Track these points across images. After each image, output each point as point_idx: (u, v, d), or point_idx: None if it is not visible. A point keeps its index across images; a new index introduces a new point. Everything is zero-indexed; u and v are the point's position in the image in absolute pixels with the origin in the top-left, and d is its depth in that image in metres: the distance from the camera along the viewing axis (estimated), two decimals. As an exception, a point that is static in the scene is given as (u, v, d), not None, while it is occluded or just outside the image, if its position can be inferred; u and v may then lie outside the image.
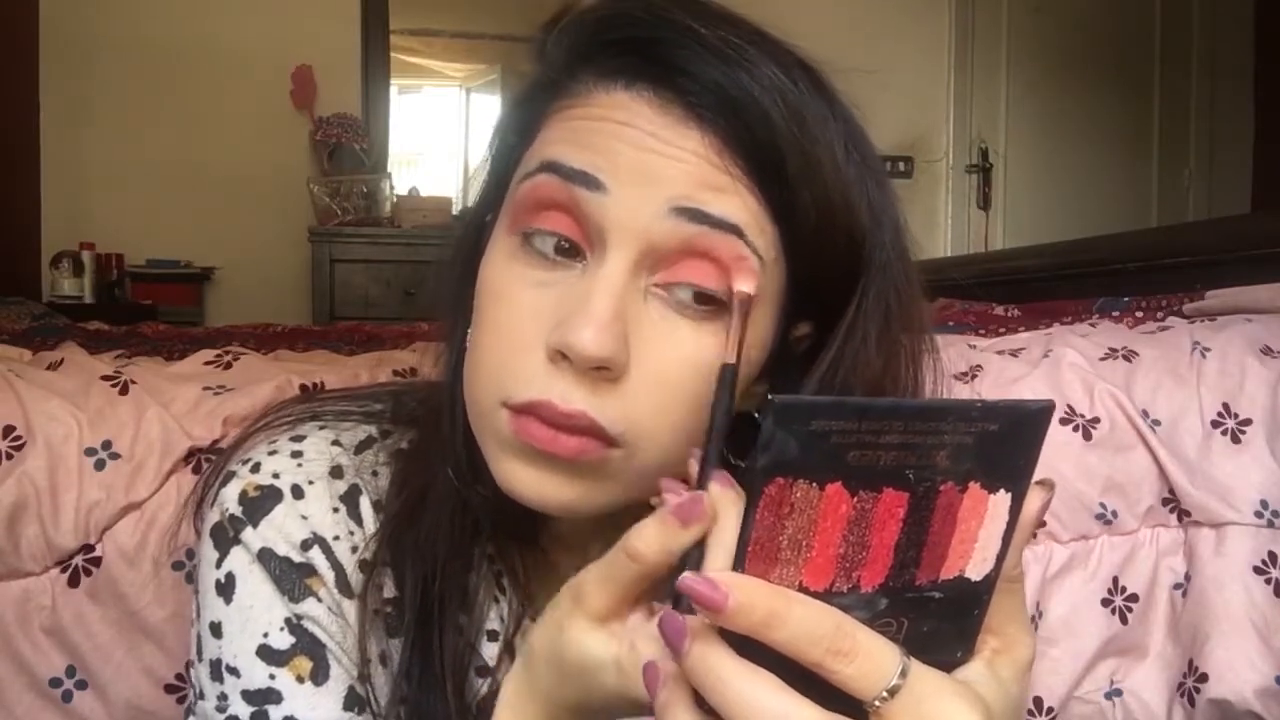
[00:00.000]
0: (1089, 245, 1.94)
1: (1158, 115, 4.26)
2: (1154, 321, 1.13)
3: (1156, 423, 0.92)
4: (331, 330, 1.81)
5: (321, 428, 0.62)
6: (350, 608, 0.57)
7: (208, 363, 0.89)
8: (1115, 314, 1.30)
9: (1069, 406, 0.92)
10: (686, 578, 0.36)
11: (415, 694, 0.57)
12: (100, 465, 0.76)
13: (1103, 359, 0.96)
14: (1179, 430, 0.92)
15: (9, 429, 0.76)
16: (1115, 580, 0.90)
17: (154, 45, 3.49)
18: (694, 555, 0.40)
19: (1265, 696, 0.85)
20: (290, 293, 3.57)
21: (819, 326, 0.56)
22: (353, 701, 0.57)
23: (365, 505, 0.60)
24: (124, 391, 0.80)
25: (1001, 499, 0.37)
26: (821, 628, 0.36)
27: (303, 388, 0.84)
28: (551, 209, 0.51)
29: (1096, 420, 0.92)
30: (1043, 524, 0.89)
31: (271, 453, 0.59)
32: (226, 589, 0.57)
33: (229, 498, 0.58)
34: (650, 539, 0.41)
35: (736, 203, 0.50)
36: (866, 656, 0.36)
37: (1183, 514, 0.91)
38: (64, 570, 0.76)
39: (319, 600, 0.57)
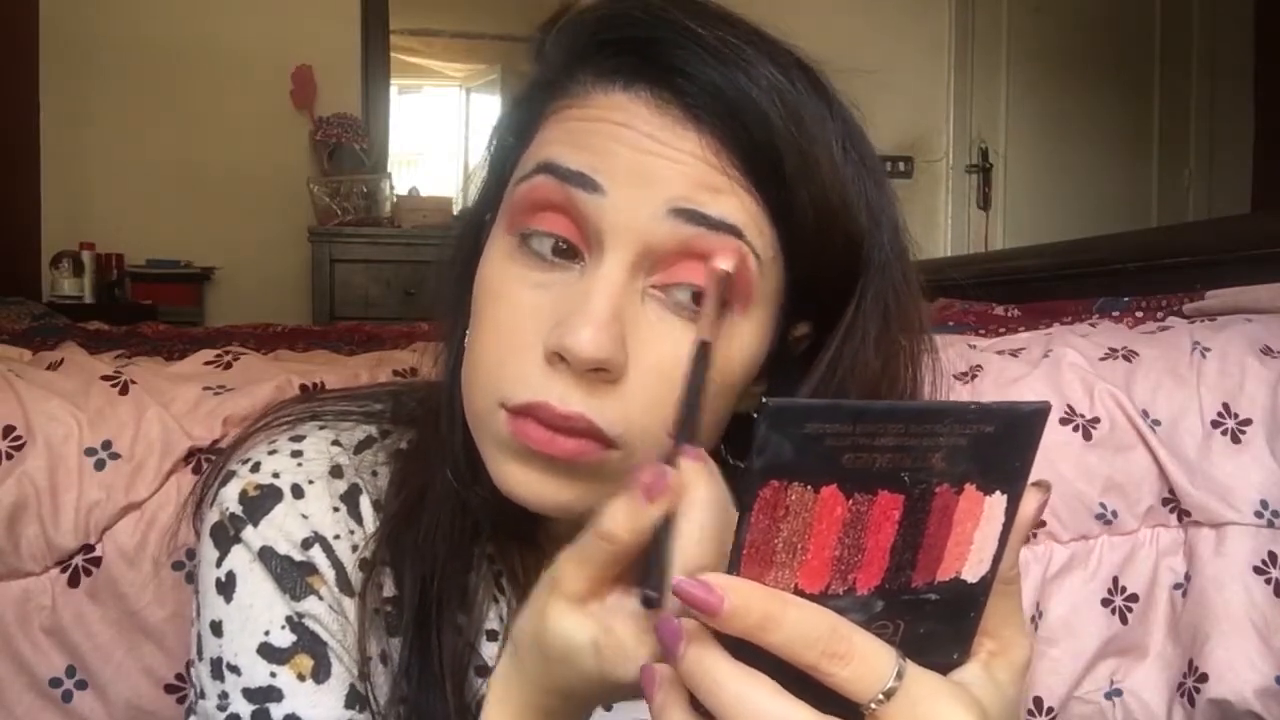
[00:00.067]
0: (1089, 245, 1.95)
1: (1158, 115, 4.26)
2: (1154, 321, 1.13)
3: (1156, 423, 0.92)
4: (331, 330, 1.81)
5: (321, 428, 0.62)
6: (351, 606, 0.57)
7: (208, 363, 0.89)
8: (1115, 314, 1.30)
9: (1069, 406, 0.92)
10: (682, 581, 0.36)
11: (414, 693, 0.57)
12: (100, 465, 0.77)
13: (1103, 359, 0.96)
14: (1179, 430, 0.92)
15: (9, 429, 0.76)
16: (1115, 580, 0.90)
17: (154, 45, 3.49)
18: (664, 531, 0.40)
19: (1265, 696, 0.85)
20: (290, 293, 3.57)
21: (818, 327, 0.56)
22: (354, 700, 0.57)
23: (365, 505, 0.60)
24: (124, 391, 0.80)
25: (997, 501, 0.37)
26: (817, 630, 0.36)
27: (303, 388, 0.84)
28: (549, 210, 0.51)
29: (1096, 420, 0.92)
30: (1041, 524, 0.89)
31: (271, 452, 0.59)
32: (227, 588, 0.57)
33: (229, 497, 0.58)
34: (620, 518, 0.41)
35: (734, 203, 0.50)
36: (862, 659, 0.36)
37: (1183, 514, 0.91)
38: (64, 570, 0.76)
39: (320, 599, 0.57)
